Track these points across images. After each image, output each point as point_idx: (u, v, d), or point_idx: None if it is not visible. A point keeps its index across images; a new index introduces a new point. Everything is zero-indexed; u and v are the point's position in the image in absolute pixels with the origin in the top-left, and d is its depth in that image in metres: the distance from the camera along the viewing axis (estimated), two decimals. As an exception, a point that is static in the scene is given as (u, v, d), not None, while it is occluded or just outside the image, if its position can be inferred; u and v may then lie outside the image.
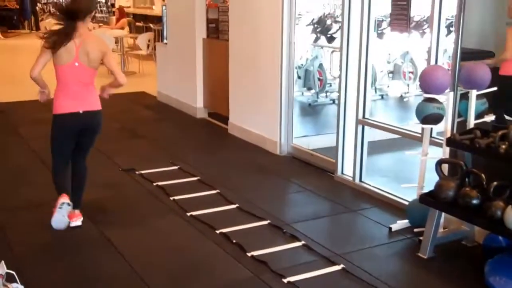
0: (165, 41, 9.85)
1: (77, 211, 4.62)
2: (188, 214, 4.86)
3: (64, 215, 4.41)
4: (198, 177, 5.76)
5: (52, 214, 4.38)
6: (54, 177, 4.58)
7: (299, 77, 9.84)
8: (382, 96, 10.05)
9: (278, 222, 4.74)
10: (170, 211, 4.95)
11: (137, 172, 5.90)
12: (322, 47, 9.82)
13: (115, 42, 12.80)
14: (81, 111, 4.44)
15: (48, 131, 4.54)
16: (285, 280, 3.80)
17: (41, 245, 4.34)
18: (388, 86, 10.40)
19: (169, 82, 9.45)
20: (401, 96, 10.14)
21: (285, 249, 4.29)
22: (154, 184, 5.56)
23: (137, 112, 9.07)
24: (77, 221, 4.59)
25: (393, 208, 5.04)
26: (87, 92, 4.49)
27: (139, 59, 12.71)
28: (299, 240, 4.40)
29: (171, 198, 5.19)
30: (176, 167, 6.08)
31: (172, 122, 8.37)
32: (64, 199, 4.40)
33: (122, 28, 13.62)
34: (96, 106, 4.55)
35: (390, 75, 10.35)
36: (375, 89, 9.96)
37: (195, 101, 8.49)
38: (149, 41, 12.63)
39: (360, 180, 5.59)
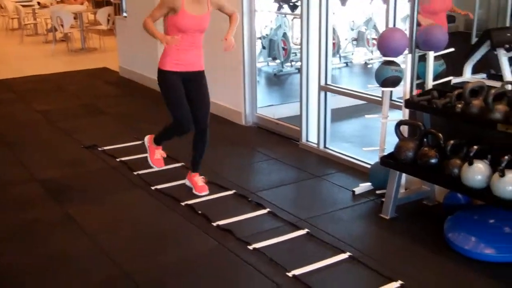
0: (124, 14, 9.69)
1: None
2: (153, 188, 4.85)
3: None
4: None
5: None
6: None
7: (263, 47, 9.82)
8: (346, 63, 10.10)
9: (243, 191, 4.76)
10: (134, 186, 4.94)
11: (99, 149, 5.86)
12: (285, 15, 9.79)
13: (74, 18, 12.57)
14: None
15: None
16: (250, 247, 3.84)
17: (2, 226, 4.30)
18: (352, 54, 10.44)
19: (131, 56, 9.33)
20: (365, 63, 10.19)
21: (251, 217, 4.32)
22: (118, 159, 5.53)
23: (99, 88, 8.96)
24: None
25: (357, 172, 5.10)
26: None
27: (100, 35, 12.52)
28: (264, 208, 4.43)
29: (135, 173, 5.17)
30: (140, 142, 6.01)
31: (136, 97, 8.29)
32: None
33: (82, 3, 13.37)
34: None
35: (354, 42, 10.39)
36: (340, 56, 10.00)
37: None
38: (109, 15, 12.40)
39: (325, 146, 5.63)
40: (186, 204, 4.51)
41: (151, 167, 4.89)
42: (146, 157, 4.88)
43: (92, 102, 7.94)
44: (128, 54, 9.44)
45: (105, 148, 5.86)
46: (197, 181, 4.75)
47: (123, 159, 5.52)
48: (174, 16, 4.23)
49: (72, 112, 7.20)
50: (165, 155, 4.93)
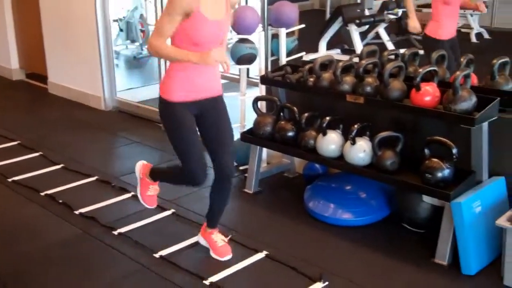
0: None
1: None
2: (9, 180, 4.64)
3: None
4: (18, 141, 5.48)
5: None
6: None
7: (121, 30, 9.61)
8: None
9: (106, 176, 4.68)
10: (-11, 179, 4.70)
11: None
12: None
13: None
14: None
15: None
16: (115, 232, 3.80)
17: None
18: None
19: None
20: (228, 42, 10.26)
21: (115, 202, 4.27)
22: (-33, 153, 5.24)
23: None
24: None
25: (220, 150, 5.16)
26: None
27: None
28: (128, 192, 4.39)
29: (-11, 166, 4.93)
30: (-6, 130, 5.76)
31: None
32: None
33: None
34: None
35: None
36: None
37: (9, 62, 7.95)
38: None
39: (187, 126, 5.64)
40: (46, 194, 4.36)
41: (7, 159, 4.64)
42: (0, 148, 4.63)
43: None
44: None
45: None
46: (216, 240, 3.56)
47: (-26, 152, 5.23)
48: (186, 22, 2.99)
49: None
50: (159, 191, 3.76)
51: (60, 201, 4.24)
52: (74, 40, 6.67)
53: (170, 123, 3.22)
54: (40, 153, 5.19)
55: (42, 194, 4.37)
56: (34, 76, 7.83)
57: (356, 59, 3.96)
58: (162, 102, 3.22)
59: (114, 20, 9.14)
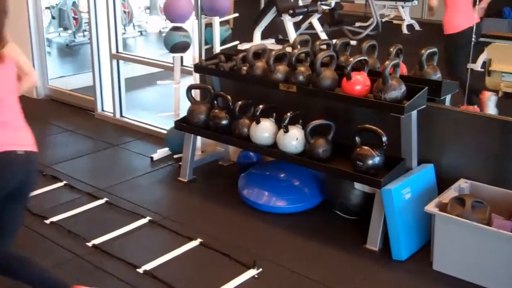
0: None
1: None
2: None
3: None
4: None
5: None
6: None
7: (53, 18, 9.40)
8: (141, 32, 10.01)
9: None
10: None
11: None
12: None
13: None
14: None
15: None
16: (47, 221, 3.75)
17: None
18: (146, 22, 10.37)
19: None
20: (160, 31, 10.19)
21: (46, 191, 4.19)
22: None
23: None
24: None
25: (155, 138, 5.15)
26: None
27: None
28: (60, 181, 4.32)
29: None
30: None
31: None
32: None
33: None
34: None
35: (147, 10, 10.32)
36: (134, 25, 9.89)
37: None
38: None
39: (121, 115, 5.59)
40: (-26, 184, 4.24)
41: None
42: None
43: None
44: None
45: None
46: None
47: None
48: None
49: None
50: None
51: (-11, 190, 4.14)
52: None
53: None
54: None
55: (-30, 184, 4.25)
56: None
57: (289, 49, 4.00)
58: None
59: (46, 8, 8.93)
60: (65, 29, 9.44)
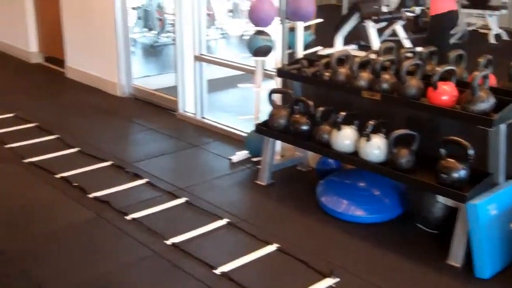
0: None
1: None
2: (25, 161, 4.68)
3: None
4: (36, 123, 5.53)
5: None
6: None
7: (139, 18, 9.65)
8: (223, 35, 10.14)
9: (120, 162, 4.71)
10: (4, 160, 4.74)
11: (-36, 123, 5.56)
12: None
13: None
14: None
15: None
16: (128, 217, 3.83)
17: None
18: (229, 25, 10.49)
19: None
20: (242, 34, 10.27)
21: (128, 187, 4.29)
22: (-15, 134, 5.28)
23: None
24: None
25: (234, 140, 5.19)
26: None
27: None
28: (142, 178, 4.42)
29: (6, 146, 4.96)
30: (11, 115, 5.79)
31: (3, 69, 7.87)
32: None
33: None
34: None
35: (230, 13, 10.44)
36: (216, 28, 10.02)
37: (28, 45, 8.02)
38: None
39: (202, 116, 5.67)
40: (61, 177, 4.40)
41: (24, 140, 4.67)
42: (18, 129, 4.65)
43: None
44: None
45: (-29, 122, 5.57)
46: None
47: (-9, 133, 5.28)
48: None
49: None
50: None
51: (75, 184, 4.28)
52: (92, 26, 6.71)
53: None
54: (57, 136, 5.23)
55: (57, 176, 4.41)
56: (52, 60, 7.88)
57: (372, 56, 3.95)
58: None
59: (133, 8, 9.18)
60: (150, 30, 9.67)
